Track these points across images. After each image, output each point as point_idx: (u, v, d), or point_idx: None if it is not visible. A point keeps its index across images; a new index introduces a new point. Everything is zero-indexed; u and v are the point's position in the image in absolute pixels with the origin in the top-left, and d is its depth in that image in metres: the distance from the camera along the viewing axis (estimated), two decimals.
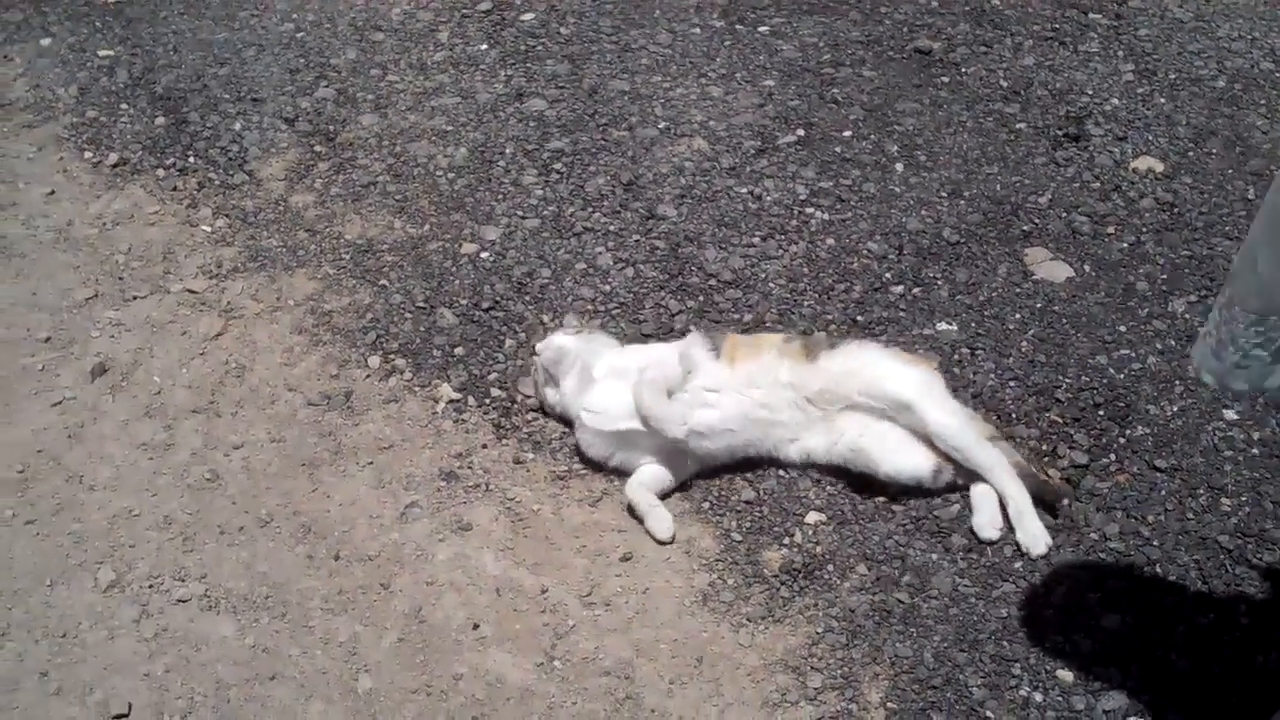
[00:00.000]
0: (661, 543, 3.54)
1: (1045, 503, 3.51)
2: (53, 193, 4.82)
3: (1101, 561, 3.42)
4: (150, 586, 3.47)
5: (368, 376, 4.04)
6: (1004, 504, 3.50)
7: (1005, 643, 3.24)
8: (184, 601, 3.43)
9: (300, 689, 3.24)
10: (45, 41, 5.68)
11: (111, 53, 5.58)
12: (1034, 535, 3.42)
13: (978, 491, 3.55)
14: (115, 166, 4.92)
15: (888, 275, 4.27)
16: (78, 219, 4.69)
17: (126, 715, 3.19)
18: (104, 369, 4.08)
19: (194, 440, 3.87)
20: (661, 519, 3.56)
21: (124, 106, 5.24)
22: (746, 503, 3.63)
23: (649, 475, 3.65)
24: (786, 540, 3.52)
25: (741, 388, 3.65)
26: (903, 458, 3.58)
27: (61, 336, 4.22)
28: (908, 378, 3.60)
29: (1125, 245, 4.36)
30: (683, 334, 3.93)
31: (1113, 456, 3.68)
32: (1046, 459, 3.67)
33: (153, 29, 5.74)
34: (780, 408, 3.65)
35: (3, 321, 4.27)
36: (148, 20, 5.81)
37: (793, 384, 3.65)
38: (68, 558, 3.55)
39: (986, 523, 3.49)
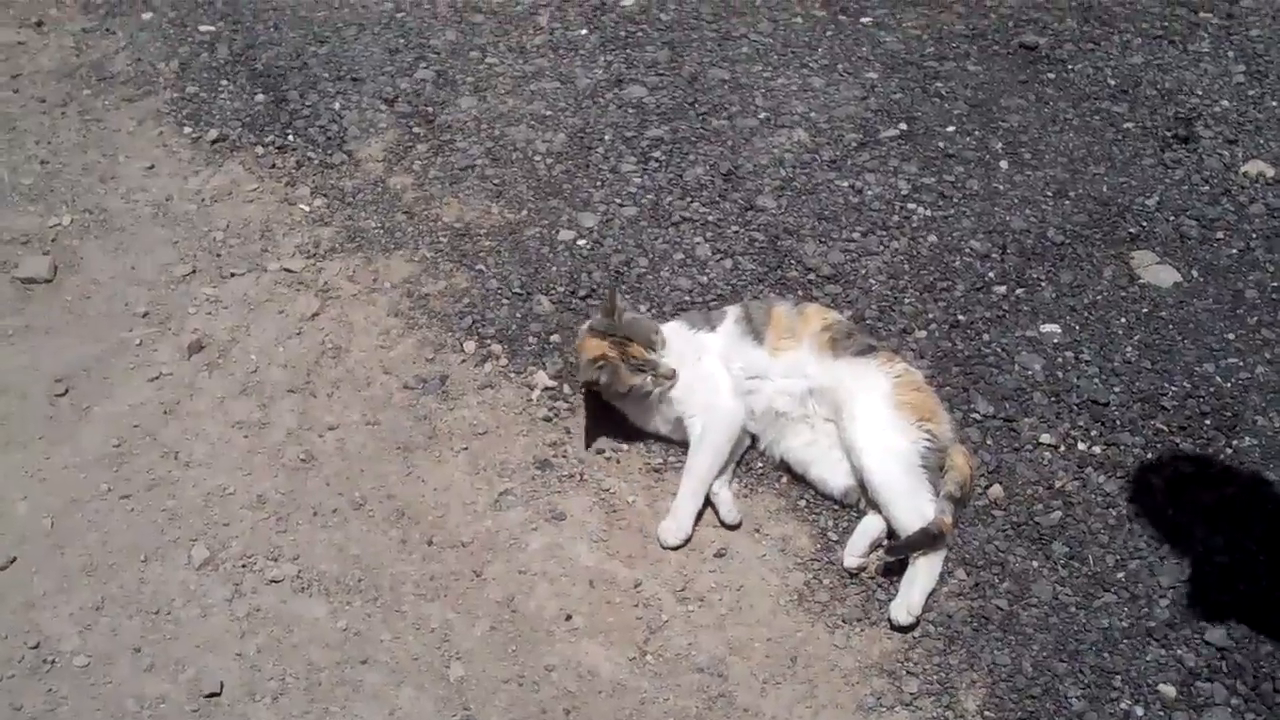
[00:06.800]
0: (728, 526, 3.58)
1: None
2: (152, 167, 4.84)
3: (1207, 574, 3.35)
4: (243, 566, 3.48)
5: (463, 361, 4.02)
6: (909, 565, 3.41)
7: (1106, 654, 3.19)
8: (277, 582, 3.43)
9: (392, 674, 3.23)
10: (147, 16, 5.71)
11: (212, 28, 5.59)
12: (910, 606, 3.29)
13: (866, 520, 3.50)
14: (214, 142, 4.93)
15: (991, 275, 4.21)
16: (176, 194, 4.71)
17: (219, 694, 3.19)
18: (201, 346, 4.09)
19: (289, 420, 3.87)
20: (720, 504, 3.61)
21: (224, 83, 5.25)
22: (843, 503, 3.58)
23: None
24: (884, 542, 3.47)
25: (779, 376, 3.68)
26: (830, 475, 3.60)
27: (159, 312, 4.23)
28: (881, 462, 3.45)
29: (1234, 251, 4.28)
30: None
31: (1219, 467, 3.60)
32: (1150, 468, 3.60)
33: (253, 5, 5.76)
34: (793, 399, 3.67)
35: (102, 295, 4.29)
36: None
37: (809, 375, 3.66)
38: (162, 534, 3.56)
39: (854, 550, 3.45)
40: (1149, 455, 3.64)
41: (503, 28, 5.53)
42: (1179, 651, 3.18)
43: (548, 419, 3.85)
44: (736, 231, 4.40)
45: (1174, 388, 3.83)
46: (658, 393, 3.66)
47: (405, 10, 5.67)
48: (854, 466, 3.50)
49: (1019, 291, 4.15)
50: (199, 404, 3.93)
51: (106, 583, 3.44)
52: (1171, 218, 4.40)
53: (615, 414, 3.81)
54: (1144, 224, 4.38)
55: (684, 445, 3.70)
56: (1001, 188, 4.55)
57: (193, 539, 3.55)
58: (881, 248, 4.32)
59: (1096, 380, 3.85)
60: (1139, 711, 3.08)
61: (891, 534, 3.44)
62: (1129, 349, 3.95)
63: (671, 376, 3.66)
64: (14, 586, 3.42)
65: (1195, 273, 4.21)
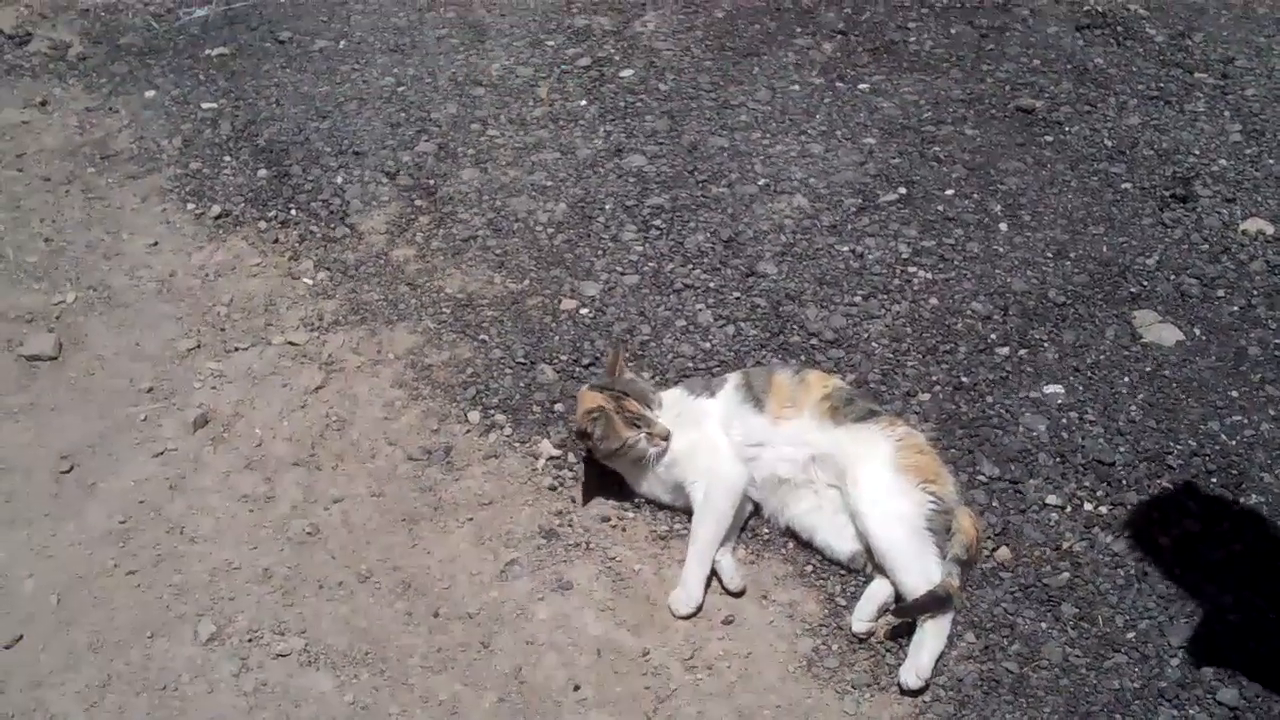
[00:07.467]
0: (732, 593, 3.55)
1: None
2: (156, 244, 4.86)
3: (1217, 633, 3.33)
4: (250, 640, 3.46)
5: (468, 432, 4.03)
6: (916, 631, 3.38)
7: (1118, 716, 3.16)
8: (284, 656, 3.42)
9: None
10: (150, 94, 5.75)
11: (215, 105, 5.64)
12: (920, 669, 3.25)
13: (874, 584, 3.49)
14: (218, 218, 4.96)
15: (993, 336, 4.22)
16: (180, 270, 4.73)
17: None
18: (205, 420, 4.09)
19: (294, 493, 3.86)
20: (722, 572, 3.58)
21: (227, 159, 5.29)
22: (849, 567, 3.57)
23: None
24: (891, 606, 3.45)
25: (781, 444, 3.66)
26: (835, 541, 3.58)
27: (164, 387, 4.24)
28: (885, 526, 3.44)
29: (1236, 309, 4.29)
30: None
31: (1227, 525, 3.59)
32: (1158, 527, 3.59)
33: (255, 82, 5.80)
34: (795, 466, 3.66)
35: (107, 371, 4.30)
36: (250, 73, 5.87)
37: (811, 443, 3.64)
38: (168, 610, 3.55)
39: (861, 615, 3.42)
40: (1155, 515, 3.63)
41: (503, 100, 5.58)
42: (1191, 712, 3.16)
43: (553, 488, 3.84)
44: (738, 298, 4.41)
45: (1179, 446, 3.82)
46: (652, 454, 3.66)
47: (406, 84, 5.72)
48: (859, 531, 3.49)
49: (1022, 352, 4.16)
50: (204, 479, 3.93)
51: (113, 660, 3.43)
52: (1172, 276, 4.42)
53: (619, 480, 3.81)
54: (1145, 283, 4.40)
55: (686, 512, 3.69)
56: (1002, 249, 4.57)
57: (199, 614, 3.53)
58: (883, 311, 4.33)
59: (1101, 440, 3.85)
60: None
61: (899, 598, 3.42)
62: (1133, 408, 3.95)
63: (666, 437, 3.65)
64: (21, 664, 3.40)
65: (1197, 331, 4.21)
